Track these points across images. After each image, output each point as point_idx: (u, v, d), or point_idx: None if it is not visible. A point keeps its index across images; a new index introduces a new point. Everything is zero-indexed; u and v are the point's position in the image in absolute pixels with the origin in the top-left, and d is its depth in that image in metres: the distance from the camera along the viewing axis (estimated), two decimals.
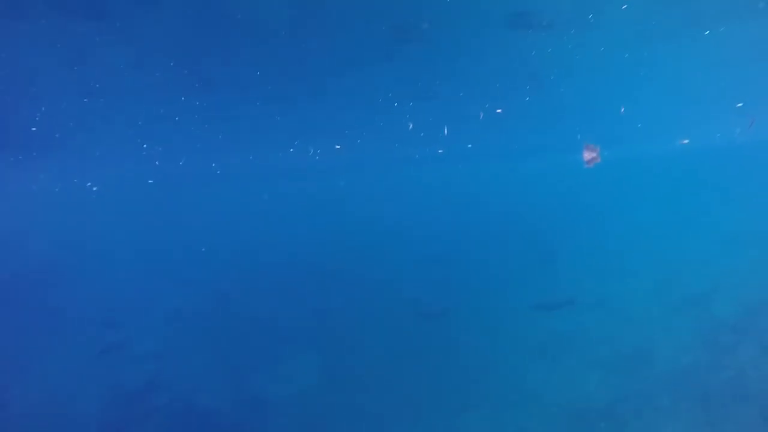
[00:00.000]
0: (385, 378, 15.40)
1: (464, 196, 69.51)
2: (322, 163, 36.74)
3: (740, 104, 23.31)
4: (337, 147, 28.66)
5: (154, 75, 12.86)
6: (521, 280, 22.94)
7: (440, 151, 34.04)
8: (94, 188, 41.87)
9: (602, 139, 32.75)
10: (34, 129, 17.19)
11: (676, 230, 30.12)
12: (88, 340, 19.55)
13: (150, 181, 41.72)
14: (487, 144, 32.68)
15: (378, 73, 14.61)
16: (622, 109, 22.81)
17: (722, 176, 58.45)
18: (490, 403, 14.04)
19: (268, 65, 12.84)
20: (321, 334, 18.33)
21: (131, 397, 15.57)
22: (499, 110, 20.16)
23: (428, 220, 45.64)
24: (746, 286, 18.03)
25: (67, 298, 24.92)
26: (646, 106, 22.79)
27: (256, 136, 24.33)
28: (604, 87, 18.14)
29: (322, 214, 57.99)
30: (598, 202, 52.55)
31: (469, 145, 33.25)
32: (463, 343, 17.15)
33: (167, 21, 9.44)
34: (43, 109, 15.20)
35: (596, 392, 13.99)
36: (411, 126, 22.86)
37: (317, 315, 20.05)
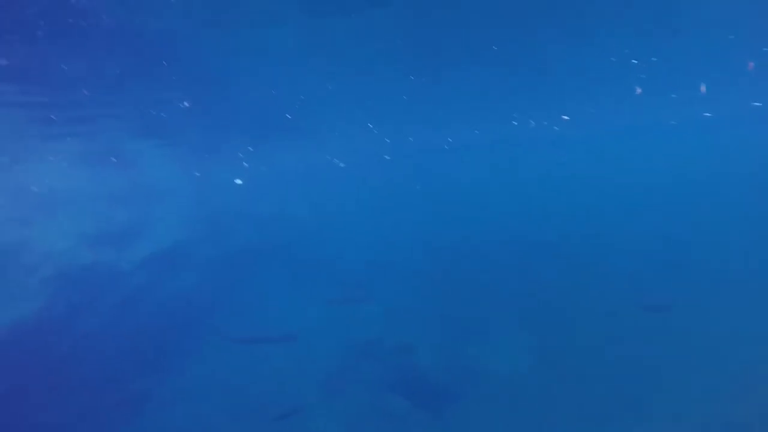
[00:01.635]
0: (602, 369, 14.00)
1: (708, 171, 56.04)
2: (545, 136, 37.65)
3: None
4: (565, 118, 27.78)
5: (383, 57, 13.53)
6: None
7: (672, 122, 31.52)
8: (341, 164, 48.69)
9: None
10: (289, 116, 20.54)
11: None
12: (331, 287, 22.60)
13: (387, 157, 46.34)
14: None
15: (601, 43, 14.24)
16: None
17: None
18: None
19: (495, 39, 12.73)
20: (540, 317, 17.61)
21: (360, 348, 17.19)
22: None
23: (665, 197, 38.15)
24: None
25: (324, 255, 29.00)
26: None
27: (480, 111, 25.00)
28: None
29: (548, 189, 54.08)
30: None
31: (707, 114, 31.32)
32: (688, 339, 15.30)
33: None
34: (302, 97, 17.71)
35: None
36: (639, 91, 22.24)
37: (540, 295, 19.42)
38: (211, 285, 24.20)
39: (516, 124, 31.57)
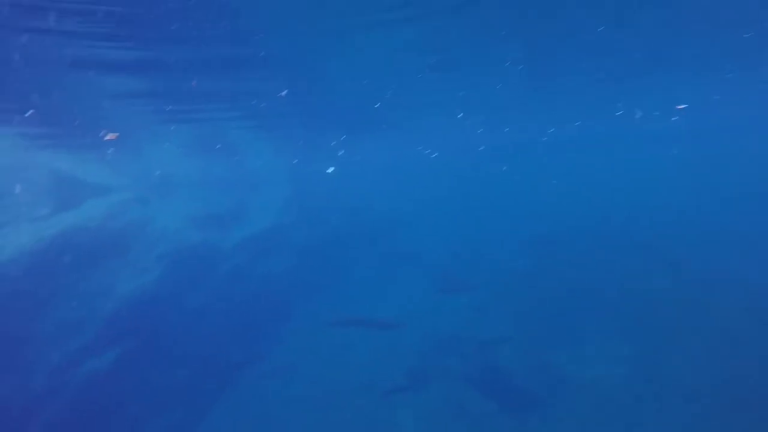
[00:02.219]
0: (709, 386, 12.15)
1: None
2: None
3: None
4: (680, 107, 26.32)
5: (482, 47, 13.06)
6: None
7: None
8: (434, 155, 49.69)
9: None
10: (377, 106, 20.84)
11: None
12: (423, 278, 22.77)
13: (480, 148, 47.53)
14: None
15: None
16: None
17: None
18: None
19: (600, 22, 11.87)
20: (641, 324, 16.00)
21: (447, 342, 16.93)
22: None
23: None
24: None
25: (416, 246, 29.65)
26: None
27: (582, 101, 24.06)
28: None
29: (658, 185, 47.54)
30: None
31: None
32: None
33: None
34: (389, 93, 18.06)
35: None
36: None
37: (641, 300, 17.66)
38: (304, 269, 25.26)
39: (621, 114, 28.88)
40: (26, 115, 13.87)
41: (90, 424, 14.13)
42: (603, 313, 16.95)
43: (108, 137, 17.73)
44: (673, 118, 31.43)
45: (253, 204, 27.41)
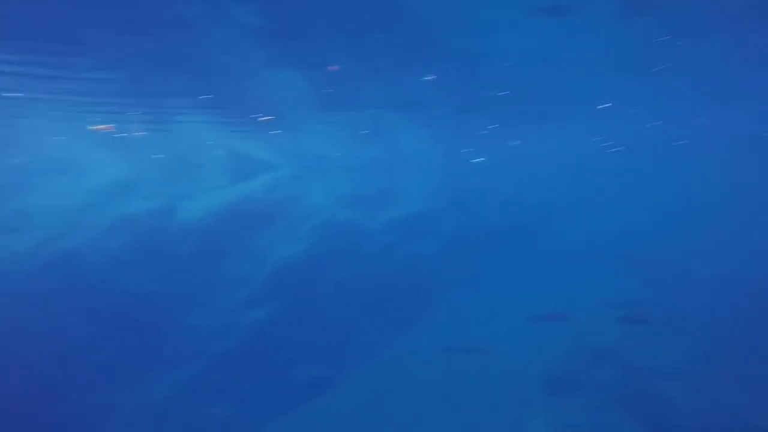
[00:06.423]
0: None
1: None
2: None
3: None
4: None
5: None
6: None
7: None
8: (615, 148, 46.96)
9: None
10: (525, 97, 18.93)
11: None
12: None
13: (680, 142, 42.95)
14: None
15: None
16: None
17: None
18: None
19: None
20: None
21: (597, 354, 15.75)
22: None
23: None
24: None
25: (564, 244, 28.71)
26: None
27: None
28: None
29: None
30: None
31: None
32: None
33: None
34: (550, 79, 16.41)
35: None
36: None
37: None
38: (448, 256, 25.09)
39: None
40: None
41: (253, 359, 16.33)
42: None
43: (263, 119, 19.58)
44: None
45: (400, 188, 28.05)
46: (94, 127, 18.73)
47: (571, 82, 16.88)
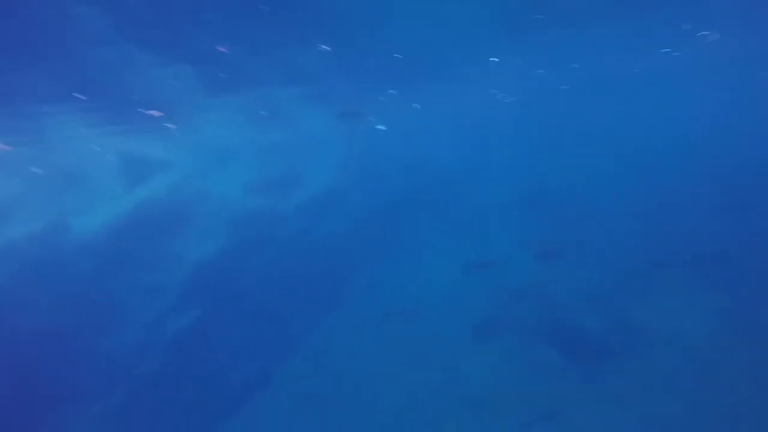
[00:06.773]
0: None
1: None
2: None
3: None
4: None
5: None
6: None
7: None
8: (508, 99, 46.80)
9: None
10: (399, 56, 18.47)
11: None
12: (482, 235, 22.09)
13: (564, 87, 44.09)
14: None
15: None
16: None
17: None
18: None
19: None
20: (734, 275, 14.08)
21: (515, 295, 16.54)
22: None
23: None
24: None
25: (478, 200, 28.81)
26: None
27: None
28: None
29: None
30: None
31: None
32: None
33: None
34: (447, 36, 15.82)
35: None
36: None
37: (734, 247, 15.35)
38: (364, 230, 25.29)
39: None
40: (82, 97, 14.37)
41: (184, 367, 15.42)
42: (690, 262, 15.50)
43: (152, 113, 18.16)
44: None
45: (306, 167, 27.59)
46: None
47: (463, 41, 17.44)
